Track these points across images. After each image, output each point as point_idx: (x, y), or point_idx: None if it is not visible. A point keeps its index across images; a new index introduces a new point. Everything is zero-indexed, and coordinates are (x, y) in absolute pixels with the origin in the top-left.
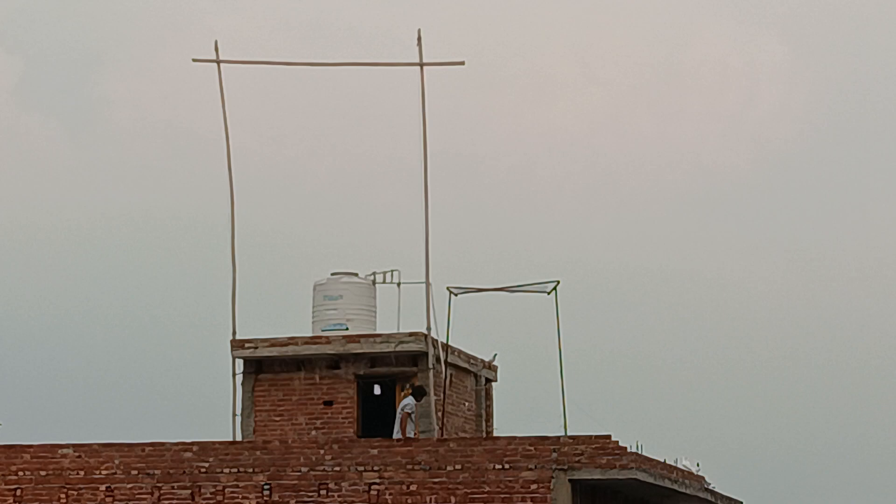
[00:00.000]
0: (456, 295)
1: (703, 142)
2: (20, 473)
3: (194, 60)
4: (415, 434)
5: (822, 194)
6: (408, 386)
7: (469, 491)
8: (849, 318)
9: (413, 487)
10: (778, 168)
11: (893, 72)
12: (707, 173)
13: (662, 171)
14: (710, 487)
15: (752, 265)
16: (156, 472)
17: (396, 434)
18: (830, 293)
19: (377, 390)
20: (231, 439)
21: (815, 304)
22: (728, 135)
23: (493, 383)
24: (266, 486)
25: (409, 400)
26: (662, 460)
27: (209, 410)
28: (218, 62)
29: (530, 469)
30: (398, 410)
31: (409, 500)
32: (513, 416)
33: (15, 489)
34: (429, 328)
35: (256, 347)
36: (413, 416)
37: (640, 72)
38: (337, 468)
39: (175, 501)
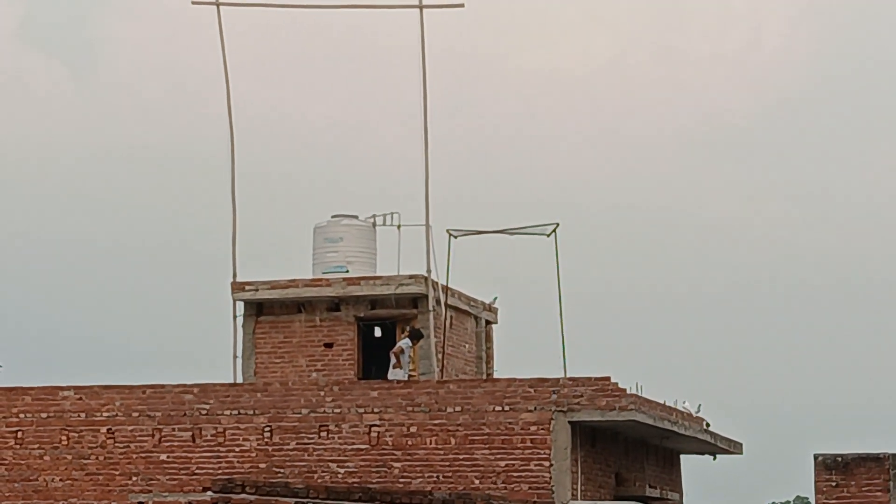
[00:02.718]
0: (456, 237)
1: (705, 85)
2: (21, 415)
3: (194, 3)
4: (407, 374)
5: (824, 137)
6: (407, 328)
7: (469, 432)
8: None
9: (413, 429)
10: (781, 111)
11: None
12: (710, 116)
13: (665, 113)
14: (710, 429)
15: (753, 207)
16: (157, 413)
17: (392, 374)
18: (832, 235)
19: (377, 332)
20: (232, 381)
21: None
22: (731, 78)
23: (494, 325)
24: (266, 428)
25: (406, 340)
26: (662, 402)
27: (210, 353)
28: (217, 4)
29: (530, 411)
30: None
31: (410, 442)
32: (513, 358)
33: (16, 431)
34: (429, 270)
35: (257, 290)
36: (404, 355)
37: (643, 14)
38: (337, 410)
39: (176, 443)
